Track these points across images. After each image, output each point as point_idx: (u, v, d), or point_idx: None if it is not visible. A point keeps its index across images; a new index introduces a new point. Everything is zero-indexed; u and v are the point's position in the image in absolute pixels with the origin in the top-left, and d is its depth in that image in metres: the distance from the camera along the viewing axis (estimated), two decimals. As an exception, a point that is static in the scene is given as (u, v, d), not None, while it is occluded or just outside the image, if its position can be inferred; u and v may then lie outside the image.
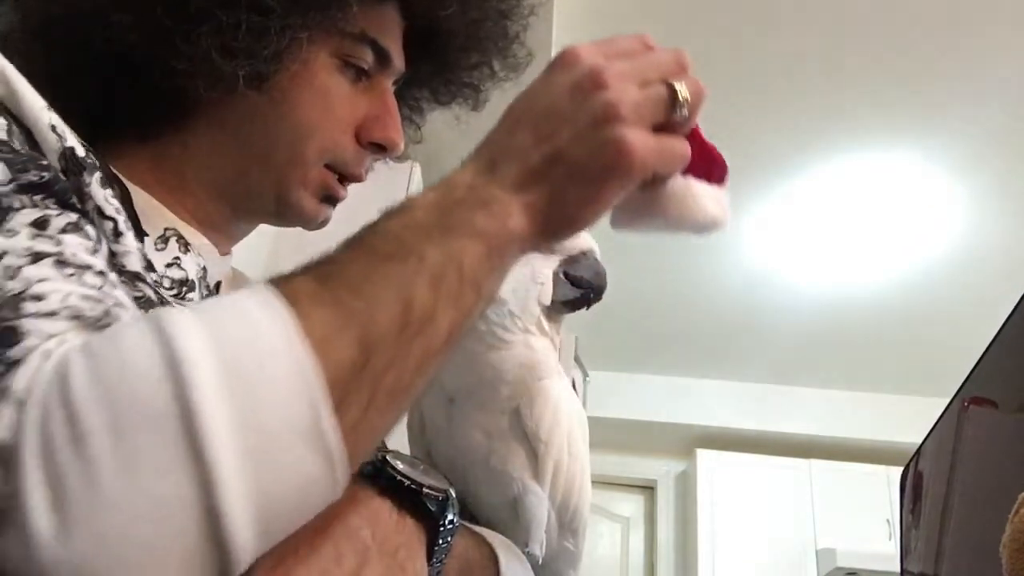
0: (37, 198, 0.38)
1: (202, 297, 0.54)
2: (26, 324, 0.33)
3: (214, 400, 0.30)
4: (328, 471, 0.33)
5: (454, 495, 0.45)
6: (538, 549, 0.65)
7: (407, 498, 0.43)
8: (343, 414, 0.33)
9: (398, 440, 0.69)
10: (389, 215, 0.40)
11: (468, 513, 0.66)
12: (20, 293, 0.34)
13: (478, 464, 0.65)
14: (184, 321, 0.32)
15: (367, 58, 0.58)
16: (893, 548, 3.51)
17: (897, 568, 0.96)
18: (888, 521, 3.92)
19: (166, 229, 0.53)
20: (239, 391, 0.30)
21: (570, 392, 0.72)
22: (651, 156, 0.42)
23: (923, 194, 2.88)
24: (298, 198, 0.58)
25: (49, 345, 0.32)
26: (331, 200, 0.60)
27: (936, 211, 2.96)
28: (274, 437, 0.31)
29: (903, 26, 2.25)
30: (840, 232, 3.14)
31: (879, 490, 3.98)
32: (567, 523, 0.69)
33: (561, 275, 0.69)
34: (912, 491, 0.95)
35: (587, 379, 3.20)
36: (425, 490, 0.44)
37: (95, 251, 0.40)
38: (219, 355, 0.31)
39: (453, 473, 0.66)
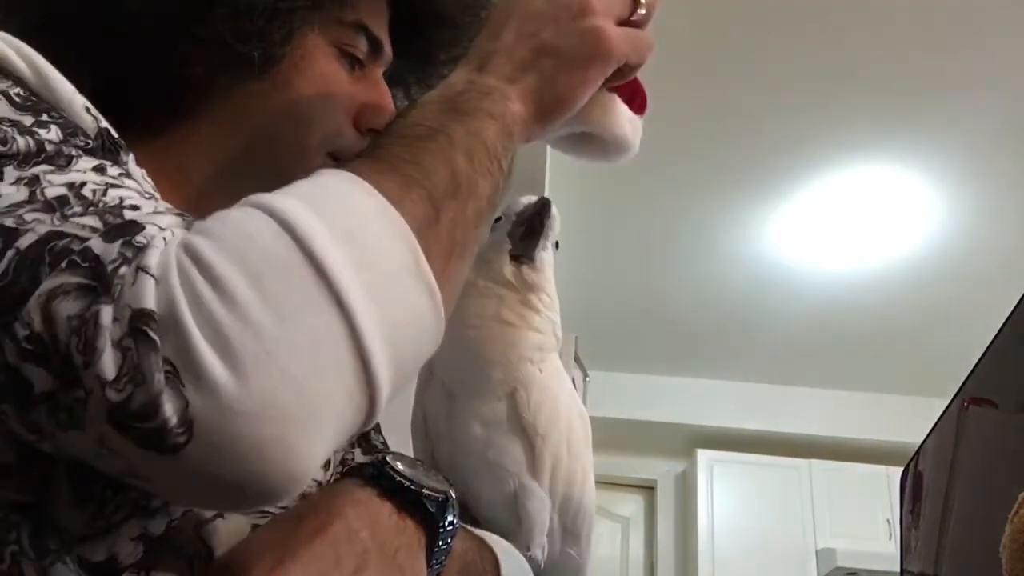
0: (91, 156, 0.39)
1: None
2: (141, 217, 0.34)
3: (330, 247, 0.32)
4: (433, 306, 0.36)
5: (454, 497, 0.45)
6: (539, 553, 0.65)
7: (407, 499, 0.43)
8: (430, 263, 0.36)
9: (401, 441, 0.69)
10: (403, 114, 0.44)
11: (470, 516, 0.66)
12: (118, 205, 0.35)
13: (475, 457, 0.65)
14: (279, 197, 0.34)
15: (362, 47, 0.59)
16: (893, 548, 3.51)
17: (897, 568, 0.96)
18: (888, 521, 3.92)
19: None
20: (347, 239, 0.33)
21: (570, 389, 0.71)
22: (624, 43, 0.48)
23: (922, 197, 2.89)
24: None
25: (166, 233, 0.34)
26: None
27: (935, 214, 2.97)
28: (387, 277, 0.34)
29: (893, 53, 2.26)
30: (840, 233, 3.14)
31: (879, 490, 3.98)
32: (568, 526, 0.69)
33: (513, 228, 0.70)
34: (912, 491, 0.95)
35: (587, 379, 3.20)
36: (425, 491, 0.44)
37: (150, 196, 0.40)
38: (321, 216, 0.33)
39: (453, 470, 0.66)
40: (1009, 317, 0.70)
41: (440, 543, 0.44)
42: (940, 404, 0.87)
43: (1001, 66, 2.35)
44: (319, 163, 0.57)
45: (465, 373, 0.67)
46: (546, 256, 0.71)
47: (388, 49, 0.62)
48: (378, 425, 0.66)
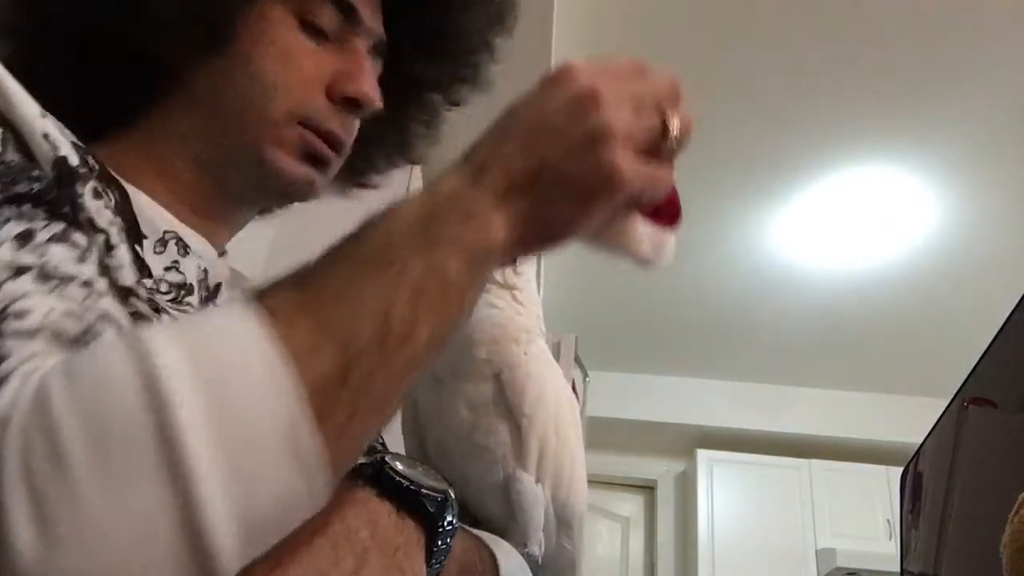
0: (26, 208, 0.38)
1: (201, 300, 0.54)
2: (6, 344, 0.33)
3: (192, 416, 0.30)
4: (308, 482, 0.33)
5: (453, 496, 0.45)
6: (537, 549, 0.65)
7: (406, 499, 0.43)
8: (325, 424, 0.33)
9: (398, 442, 0.69)
10: (371, 223, 0.39)
11: (469, 517, 0.66)
12: (2, 310, 0.33)
13: (463, 440, 0.65)
14: (161, 338, 0.32)
15: (328, 15, 0.57)
16: (893, 548, 3.51)
17: (897, 568, 0.96)
18: (888, 521, 3.92)
19: (165, 232, 0.53)
20: (217, 407, 0.31)
21: (558, 374, 0.71)
22: (638, 180, 0.42)
23: (923, 197, 2.89)
24: (274, 158, 0.56)
25: (29, 366, 0.32)
26: (315, 160, 0.58)
27: (935, 214, 2.97)
28: (253, 451, 0.31)
29: (891, 55, 2.26)
30: (840, 233, 3.14)
31: (879, 490, 3.98)
32: (560, 513, 0.69)
33: None
34: (912, 491, 0.95)
35: (587, 379, 3.20)
36: (424, 491, 0.44)
37: (82, 259, 0.39)
38: (196, 372, 0.31)
39: (443, 457, 0.66)
40: (1009, 317, 0.70)
41: (439, 543, 0.44)
42: (940, 404, 0.87)
43: (1001, 67, 2.35)
44: (291, 134, 0.56)
45: (452, 354, 0.67)
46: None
47: (368, 18, 0.60)
48: None
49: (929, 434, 0.91)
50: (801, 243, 3.23)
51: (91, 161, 0.48)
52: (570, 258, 3.23)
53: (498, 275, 0.66)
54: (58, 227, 0.39)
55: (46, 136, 0.42)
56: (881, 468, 3.99)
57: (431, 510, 0.44)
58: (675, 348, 4.12)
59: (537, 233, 0.42)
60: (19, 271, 0.35)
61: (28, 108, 0.42)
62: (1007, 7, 2.17)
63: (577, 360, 2.90)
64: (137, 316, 0.42)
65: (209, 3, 0.52)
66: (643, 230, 0.47)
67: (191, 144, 0.57)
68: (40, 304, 0.35)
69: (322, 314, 0.35)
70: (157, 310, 0.46)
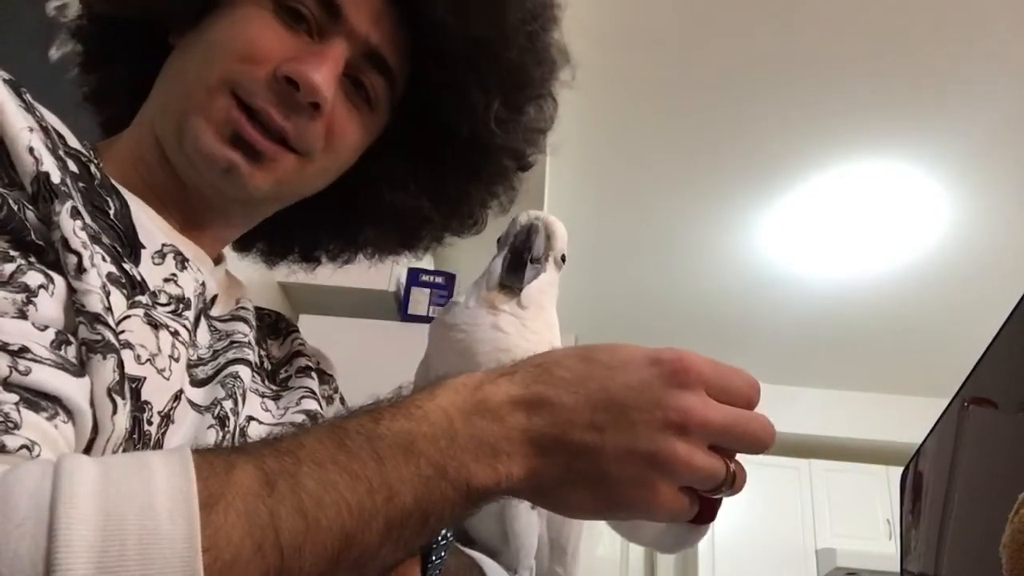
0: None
1: (197, 315, 0.53)
2: None
3: None
4: None
5: None
6: (526, 575, 0.65)
7: None
8: None
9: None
10: (397, 410, 0.37)
11: (461, 536, 0.66)
12: None
13: None
14: (83, 505, 0.28)
15: (309, 5, 0.55)
16: (893, 548, 3.51)
17: (897, 568, 0.96)
18: (888, 521, 3.92)
19: (164, 245, 0.52)
20: None
21: None
22: (669, 513, 0.41)
23: (921, 197, 2.88)
24: (197, 128, 0.53)
25: None
26: (238, 140, 0.53)
27: (935, 213, 2.96)
28: None
29: (900, 48, 2.25)
30: (840, 233, 3.14)
31: (879, 490, 3.98)
32: (555, 540, 0.69)
33: (505, 255, 0.69)
34: (912, 491, 0.95)
35: (587, 379, 3.20)
36: None
37: (26, 305, 0.37)
38: (104, 556, 0.28)
39: None
40: (1009, 317, 0.70)
41: (434, 557, 0.44)
42: (940, 404, 0.87)
43: (1007, 61, 2.34)
44: (219, 103, 0.53)
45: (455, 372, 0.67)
46: (543, 279, 0.68)
47: (355, 16, 0.56)
48: None
49: (929, 434, 0.91)
50: (802, 243, 3.23)
51: (94, 170, 0.48)
52: (571, 258, 3.23)
53: (502, 304, 0.66)
54: (8, 267, 0.37)
55: (31, 150, 0.41)
56: (881, 468, 3.99)
57: None
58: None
59: (549, 498, 0.40)
60: None
61: (16, 120, 0.41)
62: (1016, 1, 2.16)
63: (577, 360, 2.90)
64: (103, 345, 0.39)
65: None
66: (668, 528, 0.45)
67: (154, 127, 0.56)
68: None
69: (276, 522, 0.31)
70: (155, 325, 0.45)
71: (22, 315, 0.36)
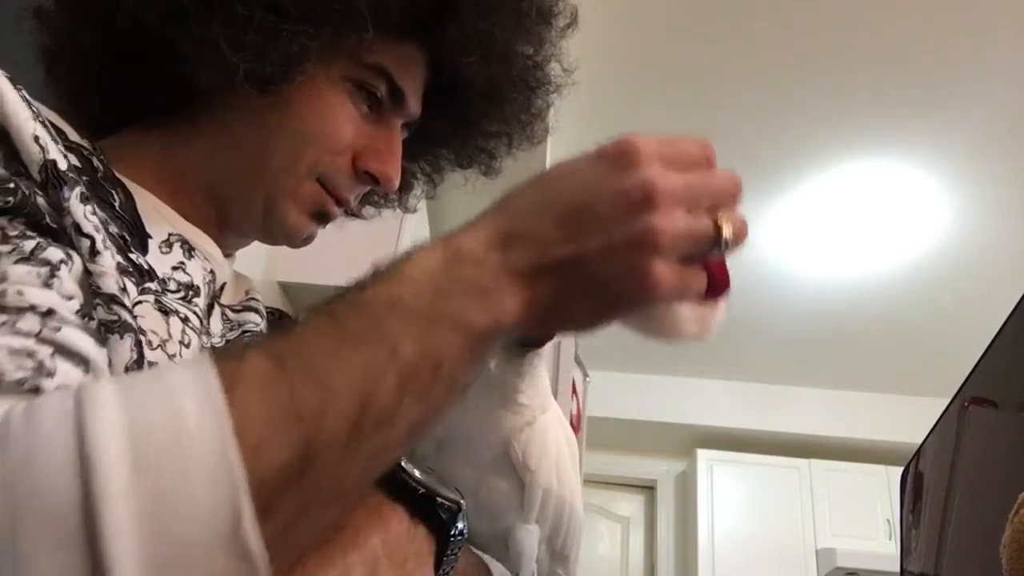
0: (2, 220, 0.38)
1: (208, 303, 0.53)
2: None
3: (122, 503, 0.27)
4: (246, 569, 0.30)
5: (465, 506, 0.45)
6: None
7: (419, 506, 0.43)
8: (270, 518, 0.30)
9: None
10: (377, 280, 0.37)
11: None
12: None
13: (467, 496, 0.65)
14: (107, 408, 0.29)
15: (382, 90, 0.58)
16: (893, 548, 3.51)
17: (897, 568, 0.96)
18: (888, 521, 3.92)
19: (170, 234, 0.53)
20: (153, 493, 0.28)
21: (559, 417, 0.69)
22: (672, 291, 0.39)
23: (921, 196, 2.88)
24: (285, 209, 0.58)
25: None
26: (321, 217, 0.60)
27: (935, 213, 2.96)
28: (187, 544, 0.28)
29: (899, 46, 2.25)
30: (840, 233, 3.14)
31: (879, 490, 3.98)
32: (558, 550, 0.69)
33: None
34: (912, 491, 0.95)
35: (587, 379, 3.20)
36: (439, 500, 0.43)
37: (52, 276, 0.38)
38: (136, 451, 0.28)
39: None
40: (1009, 317, 0.70)
41: (449, 552, 0.44)
42: (940, 404, 0.87)
43: (1009, 59, 2.33)
44: (307, 189, 0.57)
45: (458, 438, 0.66)
46: (541, 357, 0.65)
47: (412, 103, 0.61)
48: None
49: (929, 434, 0.91)
50: (801, 242, 3.23)
51: (96, 163, 0.48)
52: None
53: (499, 373, 0.62)
54: (28, 244, 0.38)
55: (36, 139, 0.42)
56: (881, 468, 3.99)
57: (444, 518, 0.43)
58: (675, 348, 4.10)
59: (552, 321, 0.40)
60: None
61: (19, 110, 0.42)
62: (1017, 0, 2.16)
63: (577, 360, 2.90)
64: (119, 325, 0.40)
65: (255, 46, 0.51)
66: (686, 313, 0.43)
67: (209, 170, 0.57)
68: None
69: (292, 396, 0.32)
70: (165, 312, 0.45)
71: (47, 287, 0.37)
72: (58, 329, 0.36)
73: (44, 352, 0.34)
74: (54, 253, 0.39)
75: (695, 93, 2.53)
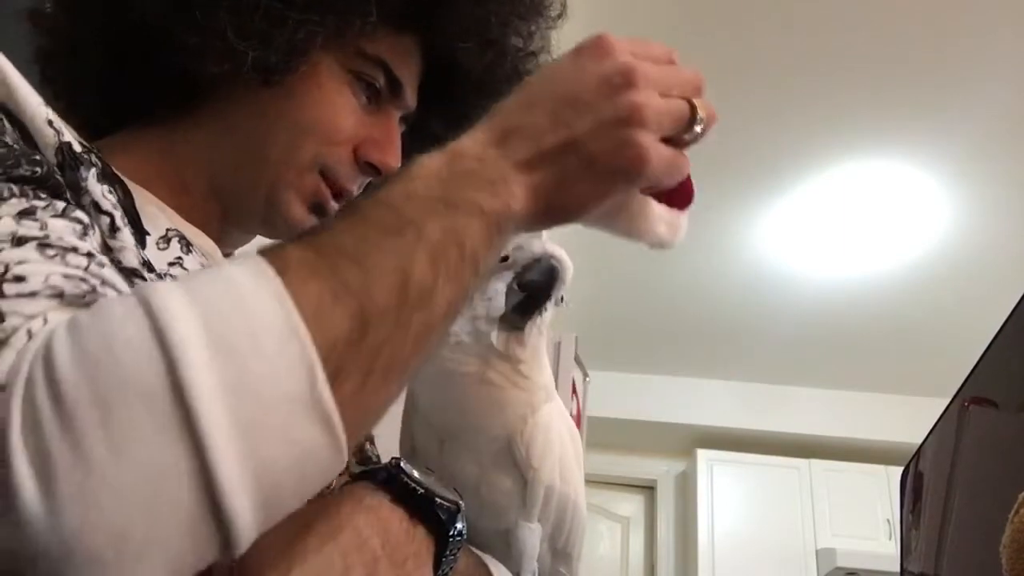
0: (27, 188, 0.38)
1: None
2: (6, 305, 0.32)
3: (203, 369, 0.29)
4: (328, 441, 0.32)
5: (466, 505, 0.45)
6: None
7: (419, 507, 0.43)
8: (338, 386, 0.32)
9: (394, 450, 0.68)
10: (390, 183, 0.39)
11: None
12: (1, 274, 0.33)
13: (468, 492, 0.63)
14: (171, 293, 0.31)
15: (380, 81, 0.59)
16: (893, 548, 3.51)
17: (897, 568, 0.96)
18: (888, 521, 3.92)
19: (168, 230, 0.53)
20: (229, 359, 0.30)
21: (561, 411, 0.69)
22: (662, 165, 0.42)
23: (921, 197, 2.88)
24: (287, 201, 0.57)
25: (33, 325, 0.31)
26: (320, 210, 0.59)
27: (935, 213, 2.96)
28: (268, 405, 0.30)
29: (899, 46, 2.25)
30: (840, 233, 3.14)
31: (879, 490, 3.98)
32: (560, 549, 0.68)
33: (514, 286, 0.64)
34: (912, 491, 0.95)
35: (587, 379, 3.20)
36: (438, 500, 0.43)
37: (84, 235, 0.39)
38: (207, 324, 0.30)
39: None
40: (1009, 317, 0.70)
41: (448, 553, 0.44)
42: (940, 404, 0.87)
43: (1008, 59, 2.33)
44: (308, 180, 0.57)
45: (454, 428, 0.65)
46: (542, 322, 0.65)
47: (409, 95, 0.61)
48: (372, 437, 0.66)
49: (929, 434, 0.91)
50: (801, 242, 3.23)
51: (94, 158, 0.48)
52: (571, 258, 3.23)
53: (501, 344, 0.62)
54: (59, 206, 0.39)
55: (50, 122, 0.42)
56: (881, 468, 3.99)
57: (443, 518, 0.43)
58: (675, 348, 4.12)
59: (556, 206, 0.42)
60: (19, 241, 0.35)
61: (32, 97, 0.42)
62: (1015, 0, 2.16)
63: (577, 360, 2.90)
64: None
65: (262, 33, 0.52)
66: (659, 212, 0.48)
67: (210, 164, 0.57)
68: (40, 269, 0.34)
69: (336, 274, 0.34)
70: None
71: (83, 239, 0.39)
72: (102, 266, 0.38)
73: (94, 281, 0.36)
74: (83, 216, 0.40)
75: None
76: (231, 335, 0.30)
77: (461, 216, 0.38)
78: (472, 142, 0.41)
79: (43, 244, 0.36)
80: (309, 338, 0.31)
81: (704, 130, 0.45)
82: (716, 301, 3.66)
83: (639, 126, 0.41)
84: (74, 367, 0.29)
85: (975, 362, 0.77)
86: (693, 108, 0.45)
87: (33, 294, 0.33)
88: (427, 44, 0.61)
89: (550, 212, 0.42)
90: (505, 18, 0.61)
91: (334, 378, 0.32)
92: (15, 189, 0.37)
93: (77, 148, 0.43)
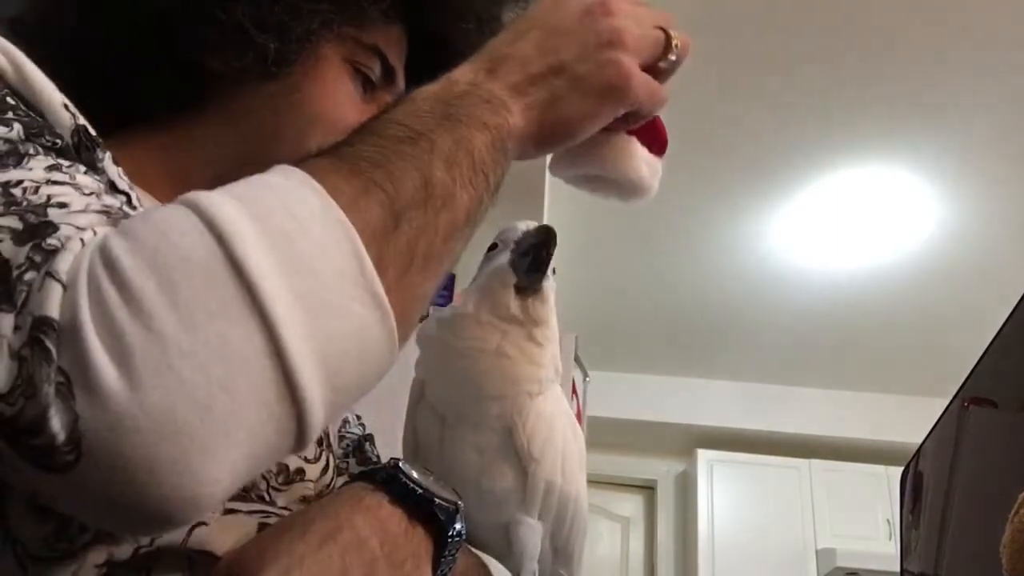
0: (51, 153, 0.39)
1: None
2: (57, 218, 0.32)
3: (258, 250, 0.30)
4: (380, 318, 0.33)
5: (466, 499, 0.45)
6: None
7: (418, 507, 0.43)
8: (382, 274, 0.33)
9: (395, 452, 0.69)
10: (392, 107, 0.41)
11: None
12: (44, 203, 0.33)
13: (469, 483, 0.63)
14: (212, 194, 0.32)
15: (376, 71, 0.59)
16: (893, 548, 3.51)
17: (897, 568, 0.96)
18: (888, 521, 3.92)
19: None
20: (280, 240, 0.31)
21: (566, 410, 0.69)
22: (643, 88, 0.46)
23: (922, 197, 2.89)
24: None
25: (84, 235, 0.32)
26: None
27: (935, 214, 2.97)
28: (323, 281, 0.31)
29: (896, 49, 2.26)
30: (840, 234, 3.14)
31: (879, 490, 3.98)
32: (561, 547, 0.68)
33: (515, 259, 0.65)
34: (912, 491, 0.95)
35: (587, 379, 3.20)
36: (437, 500, 0.43)
37: (108, 191, 0.40)
38: (253, 214, 0.31)
39: None
40: (1009, 317, 0.70)
41: (447, 553, 0.44)
42: (940, 404, 0.87)
43: (1001, 67, 2.35)
44: None
45: (459, 404, 0.65)
46: (550, 286, 0.67)
47: (401, 83, 0.62)
48: (372, 437, 0.66)
49: (929, 434, 0.91)
50: (801, 243, 3.23)
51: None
52: (571, 258, 3.23)
53: (517, 310, 0.63)
54: (82, 168, 0.39)
55: (66, 106, 0.42)
56: (881, 468, 3.99)
57: (442, 519, 0.43)
58: (675, 348, 4.12)
59: (550, 126, 0.45)
60: (53, 183, 0.35)
61: (46, 82, 0.42)
62: (1008, 7, 2.17)
63: (577, 360, 2.90)
64: None
65: (279, 24, 0.52)
66: (643, 154, 0.51)
67: (217, 161, 0.57)
68: (80, 199, 0.35)
69: (363, 174, 0.35)
70: None
71: (110, 193, 0.40)
72: (135, 210, 0.39)
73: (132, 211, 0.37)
74: (102, 178, 0.41)
75: (693, 99, 2.53)
76: (277, 220, 0.32)
77: (467, 129, 0.40)
78: (464, 72, 0.44)
79: (75, 187, 0.36)
80: (349, 222, 0.33)
81: (679, 58, 0.49)
82: (716, 301, 3.66)
83: (621, 48, 0.45)
84: (134, 256, 0.29)
85: (975, 362, 0.77)
86: (668, 36, 0.48)
87: (80, 212, 0.34)
88: (415, 26, 0.62)
89: (544, 133, 0.45)
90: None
91: (377, 265, 0.33)
92: (40, 149, 0.38)
93: (92, 131, 0.43)
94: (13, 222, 0.31)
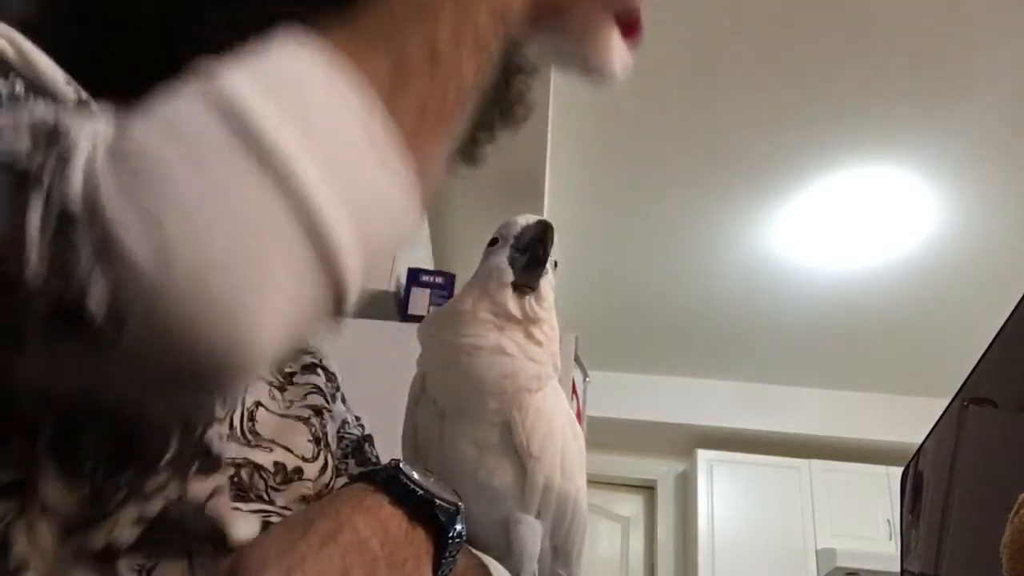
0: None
1: None
2: (67, 119, 0.32)
3: (270, 115, 0.30)
4: (396, 175, 0.33)
5: (464, 508, 0.45)
6: None
7: (418, 508, 0.43)
8: (392, 131, 0.34)
9: (394, 453, 0.69)
10: None
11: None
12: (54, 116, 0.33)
13: (467, 478, 0.64)
14: (224, 69, 0.32)
15: None
16: (893, 548, 3.51)
17: (897, 568, 0.96)
18: (888, 521, 3.92)
19: None
20: (291, 105, 0.31)
21: (566, 407, 0.69)
22: None
23: (922, 197, 2.89)
24: None
25: (96, 126, 0.32)
26: None
27: (935, 214, 2.97)
28: (341, 139, 0.32)
29: (895, 50, 2.26)
30: (840, 234, 3.14)
31: (879, 490, 3.98)
32: (559, 547, 0.68)
33: (514, 255, 0.66)
34: (912, 491, 0.95)
35: (587, 379, 3.20)
36: (438, 501, 0.43)
37: None
38: (263, 83, 0.31)
39: None
40: (1010, 317, 0.70)
41: (447, 555, 0.44)
42: (940, 404, 0.87)
43: (1000, 66, 2.35)
44: None
45: (459, 398, 0.65)
46: (548, 281, 0.68)
47: None
48: (371, 438, 0.66)
49: (929, 434, 0.91)
50: (801, 243, 3.23)
51: None
52: (571, 258, 3.23)
53: (514, 308, 0.64)
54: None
55: (68, 82, 0.42)
56: (881, 468, 3.99)
57: (442, 520, 0.43)
58: (675, 348, 4.12)
59: (542, 7, 0.45)
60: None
61: (46, 62, 0.42)
62: (1007, 8, 2.17)
63: (577, 360, 2.90)
64: None
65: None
66: (618, 45, 0.53)
67: None
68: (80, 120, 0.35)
69: (367, 39, 0.35)
70: None
71: None
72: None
73: None
74: None
75: (693, 98, 2.53)
76: (288, 89, 0.32)
77: (467, 2, 0.40)
78: None
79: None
80: (359, 84, 0.33)
81: None
82: (716, 301, 3.66)
83: None
84: (152, 132, 0.30)
85: (975, 362, 0.77)
86: None
87: (87, 117, 0.34)
88: None
89: (538, 9, 0.45)
90: None
91: (387, 120, 0.33)
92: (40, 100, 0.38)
93: (95, 107, 0.43)
94: (24, 119, 0.32)
